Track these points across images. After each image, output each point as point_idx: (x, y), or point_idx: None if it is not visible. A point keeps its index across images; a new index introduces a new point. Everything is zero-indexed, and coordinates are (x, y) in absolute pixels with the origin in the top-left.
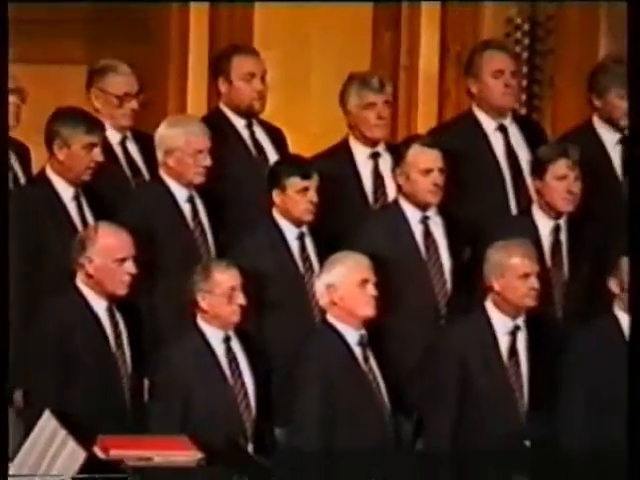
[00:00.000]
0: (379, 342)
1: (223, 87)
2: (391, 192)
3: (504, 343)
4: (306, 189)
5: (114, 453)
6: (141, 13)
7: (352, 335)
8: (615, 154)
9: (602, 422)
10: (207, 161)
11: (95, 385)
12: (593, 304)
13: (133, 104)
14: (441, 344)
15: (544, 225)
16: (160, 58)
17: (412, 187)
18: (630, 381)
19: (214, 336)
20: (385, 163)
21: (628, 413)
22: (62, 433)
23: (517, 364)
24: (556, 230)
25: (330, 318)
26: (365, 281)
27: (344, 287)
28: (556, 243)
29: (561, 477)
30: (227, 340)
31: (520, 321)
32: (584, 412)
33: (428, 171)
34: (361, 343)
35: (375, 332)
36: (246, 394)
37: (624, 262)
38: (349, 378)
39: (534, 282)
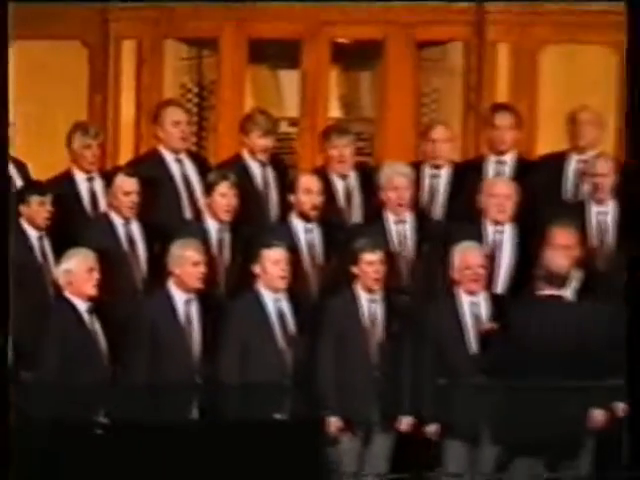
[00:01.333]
0: (102, 310)
1: None
2: (103, 206)
3: (181, 309)
4: (43, 203)
5: None
6: None
7: (82, 306)
8: (257, 175)
9: (248, 365)
10: None
11: None
12: (244, 283)
13: None
14: (137, 310)
15: (212, 228)
16: None
17: (117, 204)
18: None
19: None
20: (98, 185)
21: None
22: None
23: (191, 323)
24: (220, 231)
25: (67, 294)
26: (91, 269)
27: (77, 272)
28: (220, 240)
29: (222, 400)
30: None
31: (193, 295)
32: (235, 357)
33: (128, 193)
34: (88, 311)
35: (99, 302)
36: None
37: (264, 253)
38: (80, 336)
39: (202, 268)
